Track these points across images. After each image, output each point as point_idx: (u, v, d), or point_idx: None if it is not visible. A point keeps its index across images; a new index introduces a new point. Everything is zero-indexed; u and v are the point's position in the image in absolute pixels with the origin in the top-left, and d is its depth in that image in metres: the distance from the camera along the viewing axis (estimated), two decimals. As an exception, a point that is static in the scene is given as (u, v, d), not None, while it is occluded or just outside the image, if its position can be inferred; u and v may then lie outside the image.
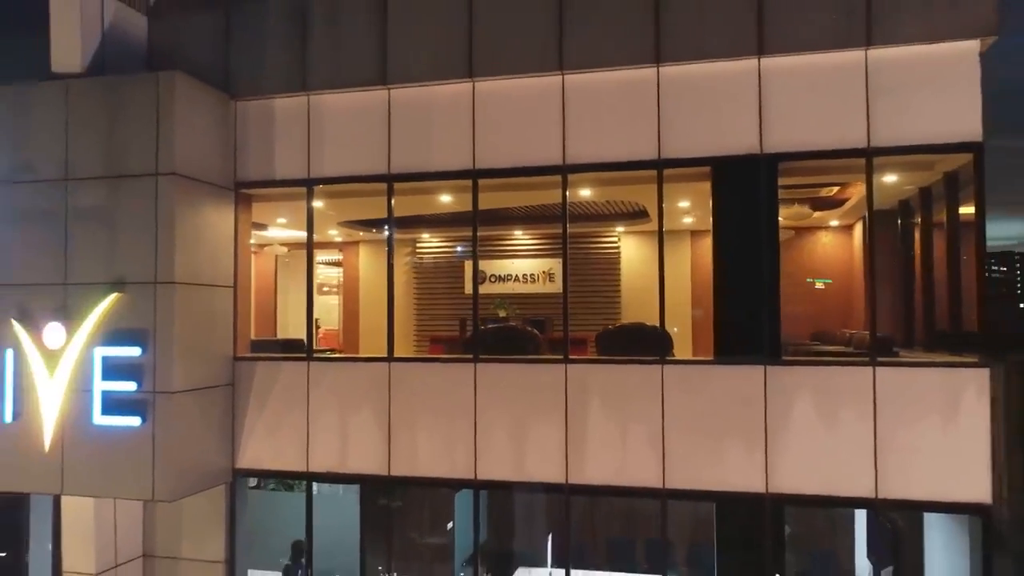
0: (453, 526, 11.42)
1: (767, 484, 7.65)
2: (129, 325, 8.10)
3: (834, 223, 12.29)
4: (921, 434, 7.35)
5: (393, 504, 9.68)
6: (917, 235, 9.63)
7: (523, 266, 13.56)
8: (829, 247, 12.45)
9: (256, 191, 9.36)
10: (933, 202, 8.82)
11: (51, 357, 8.27)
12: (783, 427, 7.63)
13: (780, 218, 11.15)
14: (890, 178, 8.97)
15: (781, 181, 9.23)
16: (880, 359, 7.56)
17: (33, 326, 8.33)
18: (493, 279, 13.57)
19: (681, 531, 10.37)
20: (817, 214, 11.51)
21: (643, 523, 10.86)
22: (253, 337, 10.00)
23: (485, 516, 11.63)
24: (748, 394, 7.72)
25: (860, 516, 9.88)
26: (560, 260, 12.67)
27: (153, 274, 8.08)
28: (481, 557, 9.54)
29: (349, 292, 14.76)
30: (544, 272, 13.37)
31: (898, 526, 9.15)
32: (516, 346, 9.18)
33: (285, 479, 9.75)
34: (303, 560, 9.36)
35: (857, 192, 9.96)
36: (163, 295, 8.05)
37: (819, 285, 12.44)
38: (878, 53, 7.55)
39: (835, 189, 10.30)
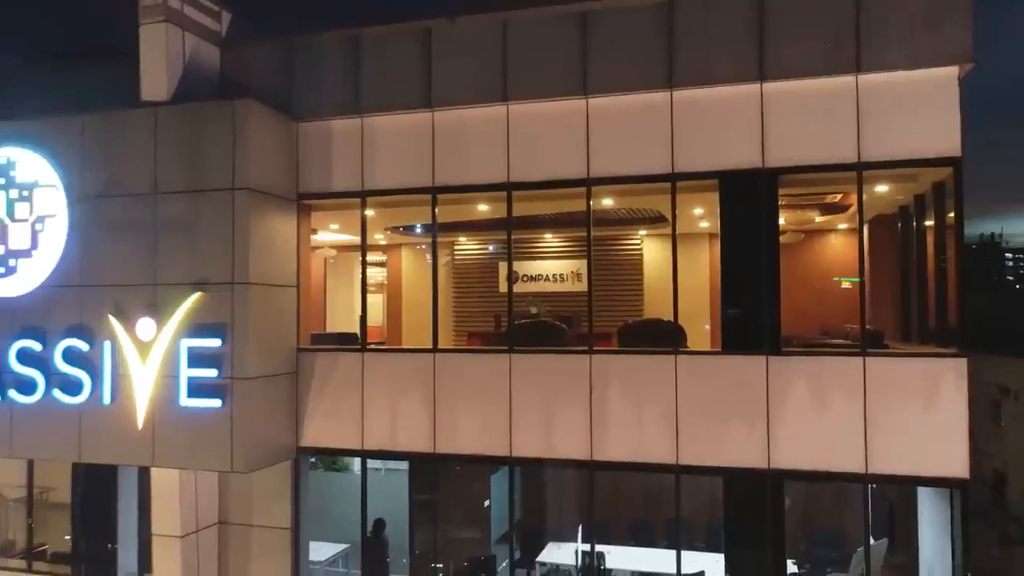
0: (490, 505, 12.55)
1: (768, 460, 8.65)
2: (210, 320, 9.34)
3: (843, 226, 13.16)
4: (906, 416, 8.29)
5: (437, 486, 10.79)
6: (914, 238, 10.50)
7: (553, 267, 14.66)
8: (839, 249, 13.31)
9: (315, 202, 10.57)
10: (926, 208, 9.69)
11: (143, 348, 9.56)
12: (782, 410, 8.62)
13: (786, 222, 12.14)
14: (881, 188, 9.89)
15: (789, 190, 10.27)
16: (869, 350, 8.52)
17: (128, 321, 9.63)
18: (525, 279, 14.69)
19: (699, 511, 11.34)
20: (825, 218, 12.40)
21: (663, 504, 11.85)
22: (314, 331, 11.21)
23: (519, 496, 12.77)
24: (751, 381, 8.71)
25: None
26: (586, 261, 13.77)
27: (230, 275, 9.32)
28: (515, 533, 10.67)
29: (392, 290, 16.00)
30: (572, 272, 14.44)
31: (893, 502, 10.07)
32: (546, 339, 10.27)
33: (343, 456, 10.93)
34: (384, 535, 10.56)
35: (872, 194, 10.84)
36: (239, 294, 9.29)
37: (846, 284, 13.23)
38: (867, 78, 8.49)
39: (839, 196, 11.20)
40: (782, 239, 12.70)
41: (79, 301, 9.89)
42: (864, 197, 10.19)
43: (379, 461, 12.71)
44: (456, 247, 15.34)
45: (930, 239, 9.53)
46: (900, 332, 11.08)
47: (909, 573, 9.70)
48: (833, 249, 13.47)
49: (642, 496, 12.63)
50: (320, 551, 11.64)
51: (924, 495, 9.45)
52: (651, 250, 14.23)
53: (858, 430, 8.39)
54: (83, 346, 9.80)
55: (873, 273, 12.18)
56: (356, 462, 12.74)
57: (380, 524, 10.79)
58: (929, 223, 9.55)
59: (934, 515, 9.11)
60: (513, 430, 9.49)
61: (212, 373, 9.31)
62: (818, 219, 12.35)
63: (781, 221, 12.05)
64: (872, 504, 10.30)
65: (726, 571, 9.07)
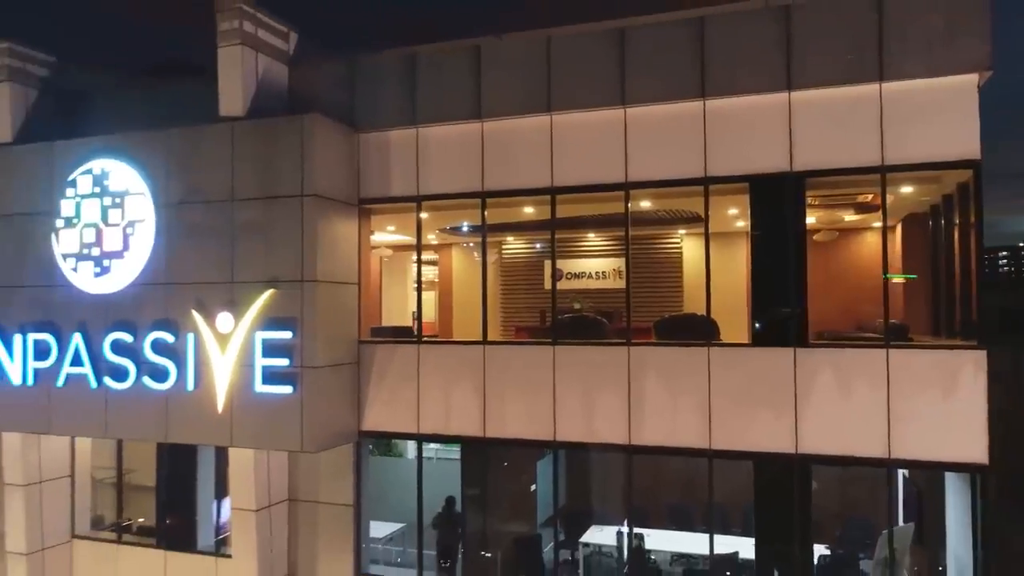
0: (536, 489, 13.32)
1: (796, 446, 9.24)
2: (282, 314, 10.33)
3: (877, 224, 13.55)
4: (927, 404, 8.80)
5: (487, 472, 11.59)
6: (942, 236, 10.91)
7: (596, 264, 15.37)
8: (874, 246, 13.69)
9: (374, 206, 11.50)
10: (953, 208, 10.10)
11: (222, 340, 10.61)
12: (809, 399, 9.20)
13: (817, 221, 12.61)
14: (907, 189, 10.34)
15: (820, 191, 10.80)
16: (893, 342, 9.04)
17: (208, 315, 10.69)
18: (569, 276, 15.43)
19: (736, 497, 11.91)
20: (859, 217, 12.82)
21: (701, 490, 12.46)
22: (373, 325, 12.14)
23: (564, 482, 13.52)
24: (780, 371, 9.32)
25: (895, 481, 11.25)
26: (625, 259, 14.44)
27: (300, 274, 10.29)
28: (560, 517, 11.43)
29: (443, 287, 16.91)
30: (614, 270, 15.12)
31: (921, 488, 10.52)
32: (587, 333, 11.01)
33: (401, 439, 11.85)
34: (455, 510, 11.47)
35: (888, 198, 11.28)
36: (308, 291, 10.26)
37: (896, 280, 13.52)
38: (889, 86, 9.00)
39: (870, 196, 11.65)
40: (816, 238, 13.29)
41: (165, 297, 10.99)
42: (896, 197, 10.76)
43: (431, 451, 13.65)
44: (504, 246, 16.16)
45: (956, 237, 9.96)
46: (931, 326, 11.49)
47: (937, 558, 10.15)
48: (868, 247, 13.86)
49: (682, 483, 13.22)
50: (378, 530, 12.61)
51: (951, 483, 9.91)
52: (690, 248, 14.81)
53: (881, 417, 8.93)
54: (169, 338, 10.90)
55: (906, 269, 12.61)
56: (410, 449, 13.74)
57: (451, 501, 11.70)
58: (955, 222, 9.97)
59: (960, 501, 9.57)
60: (557, 416, 10.26)
61: (284, 362, 10.29)
62: (849, 218, 12.78)
63: (812, 220, 12.62)
64: (902, 491, 10.80)
65: (756, 552, 9.69)
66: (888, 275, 13.44)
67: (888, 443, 8.90)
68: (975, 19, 8.67)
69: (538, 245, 15.75)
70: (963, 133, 8.73)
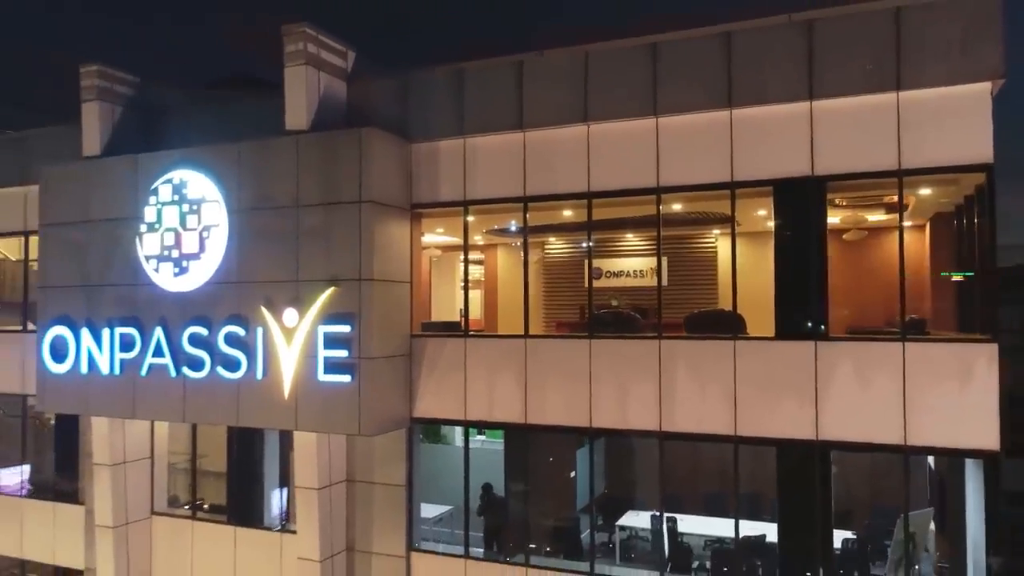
0: (575, 476, 14.11)
1: (817, 433, 9.86)
2: (341, 310, 11.33)
3: (907, 223, 13.94)
4: (942, 394, 9.34)
5: (528, 460, 12.40)
6: (964, 235, 11.34)
7: (634, 263, 16.07)
8: (907, 246, 14.06)
9: (425, 210, 12.44)
10: (973, 208, 10.54)
11: (288, 333, 11.67)
12: (829, 389, 9.81)
13: (841, 221, 13.11)
14: (925, 191, 10.84)
15: (847, 193, 11.36)
16: (909, 336, 9.59)
17: (275, 311, 11.76)
18: (609, 275, 16.17)
19: (766, 484, 12.48)
20: (889, 216, 13.26)
21: (733, 479, 13.08)
22: (423, 320, 13.10)
23: (604, 469, 14.28)
24: (802, 363, 9.95)
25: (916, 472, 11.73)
26: (665, 258, 15.16)
27: (358, 273, 11.28)
28: (598, 501, 12.18)
29: (489, 285, 17.81)
30: (651, 268, 15.79)
31: (944, 475, 11.00)
32: (621, 327, 11.77)
33: (449, 425, 12.75)
34: (494, 494, 12.37)
35: (912, 199, 11.75)
36: (365, 288, 11.24)
37: (957, 278, 13.78)
38: (906, 94, 9.55)
39: (893, 197, 12.11)
40: (846, 237, 13.79)
41: (237, 295, 12.11)
42: (924, 197, 11.26)
43: (477, 441, 14.54)
44: (546, 246, 16.98)
45: (975, 236, 10.43)
46: (958, 321, 11.92)
47: (958, 541, 10.62)
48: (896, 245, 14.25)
49: (716, 472, 13.86)
50: (428, 511, 13.56)
51: (970, 470, 10.38)
52: (725, 247, 15.40)
53: (898, 406, 9.49)
54: (240, 331, 12.01)
55: (935, 267, 13.04)
56: (457, 437, 14.65)
57: (488, 487, 12.59)
58: (975, 221, 10.44)
59: (977, 487, 10.05)
60: (593, 405, 11.05)
61: (343, 354, 11.30)
62: (877, 218, 13.23)
63: (837, 220, 13.15)
64: (925, 478, 11.30)
65: (778, 534, 10.33)
66: (946, 273, 13.86)
67: (904, 431, 9.46)
68: (988, 30, 9.18)
69: (584, 244, 16.50)
70: (977, 138, 9.24)
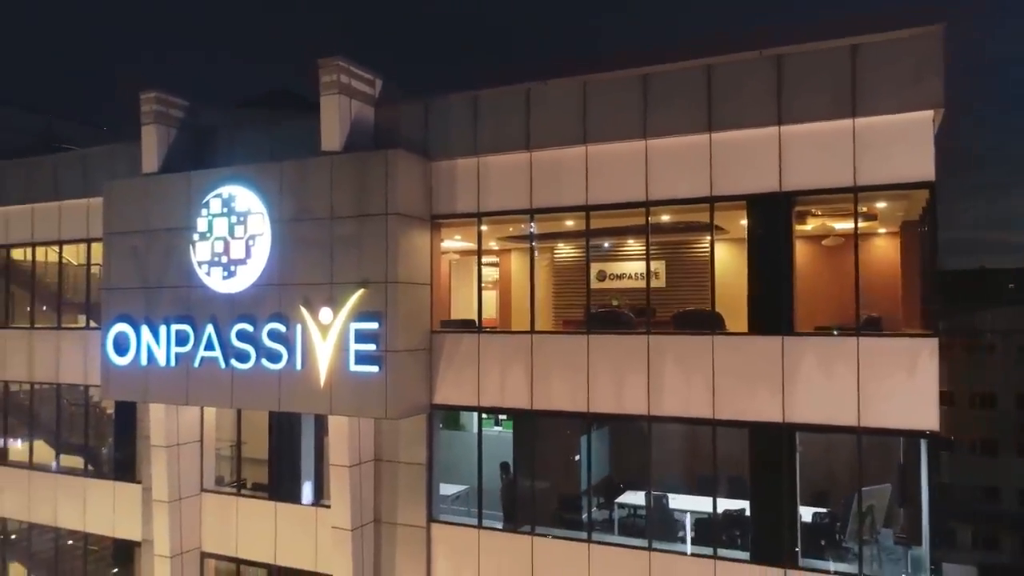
0: (579, 459, 15.58)
1: (784, 416, 11.29)
2: (370, 309, 12.95)
3: (883, 230, 15.27)
4: (891, 382, 10.72)
5: (536, 445, 13.91)
6: (921, 241, 12.68)
7: (634, 267, 17.51)
8: (878, 249, 15.41)
9: (444, 220, 14.02)
10: (924, 218, 11.87)
11: (323, 329, 13.30)
12: (795, 378, 11.23)
13: (811, 228, 14.46)
14: (893, 202, 12.21)
15: (821, 206, 12.74)
16: (863, 331, 10.99)
17: (313, 310, 13.40)
18: (612, 277, 17.65)
19: (745, 467, 13.85)
20: (864, 224, 14.61)
21: (728, 463, 14.43)
22: (442, 318, 14.68)
23: (606, 453, 15.71)
24: (771, 355, 11.38)
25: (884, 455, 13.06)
26: (663, 261, 16.63)
27: (385, 277, 12.89)
28: (603, 483, 13.60)
29: (503, 286, 19.37)
30: (651, 272, 17.23)
31: (902, 455, 12.34)
32: (617, 324, 13.26)
33: (465, 411, 14.29)
34: (511, 473, 13.90)
35: (882, 208, 13.10)
36: (391, 290, 12.85)
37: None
38: (861, 121, 10.94)
39: (865, 208, 13.47)
40: (825, 243, 15.15)
41: (279, 295, 13.78)
42: (895, 206, 12.62)
43: (495, 431, 16.04)
44: (555, 251, 18.50)
45: (921, 243, 11.79)
46: (921, 319, 13.24)
47: (916, 514, 11.97)
48: (876, 250, 15.59)
49: (708, 457, 15.22)
50: (446, 490, 15.12)
51: (925, 449, 11.72)
52: (717, 252, 16.79)
53: (853, 393, 10.90)
54: (282, 328, 13.68)
55: (904, 270, 14.36)
56: (472, 424, 16.20)
57: (505, 466, 14.13)
58: (924, 230, 11.80)
59: (926, 464, 11.40)
60: (591, 392, 12.56)
61: (372, 347, 12.91)
62: (846, 226, 14.60)
63: (809, 228, 14.52)
64: (884, 457, 12.68)
65: (751, 507, 11.77)
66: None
67: (858, 414, 10.86)
68: (931, 67, 10.55)
69: (597, 248, 17.97)
70: (921, 160, 10.62)
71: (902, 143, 10.74)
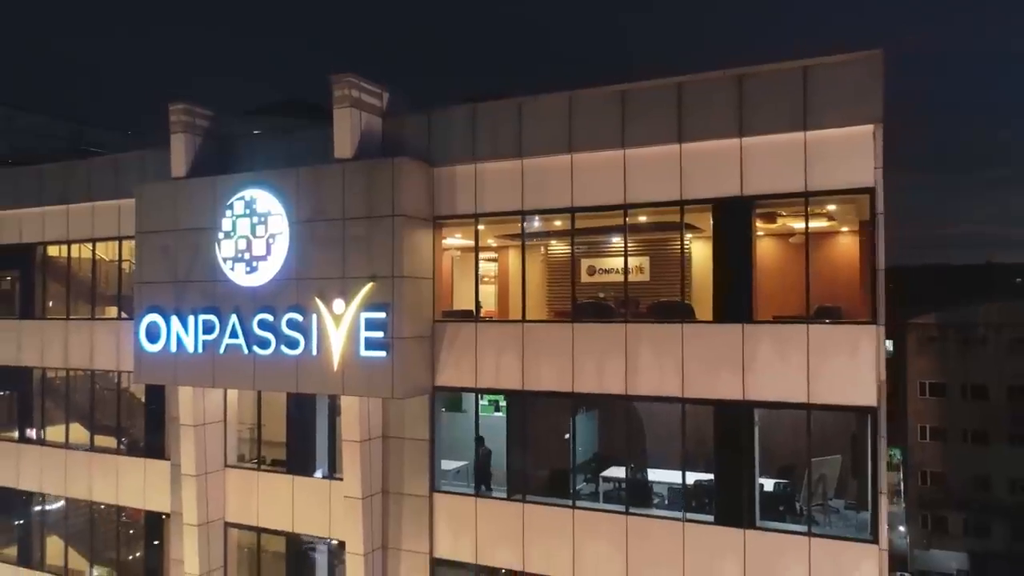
0: (569, 438, 17.07)
1: (744, 394, 12.77)
2: (379, 300, 14.47)
3: (845, 229, 16.68)
4: (837, 363, 12.19)
5: (529, 425, 15.38)
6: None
7: (620, 262, 18.86)
8: (844, 247, 16.82)
9: (445, 221, 15.53)
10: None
11: (337, 319, 14.83)
12: (754, 360, 12.71)
13: (774, 227, 15.89)
14: (830, 207, 13.65)
15: (785, 208, 14.15)
16: (812, 320, 12.45)
17: (327, 301, 14.93)
18: (600, 272, 19.11)
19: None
20: (829, 223, 16.03)
21: (699, 442, 15.88)
22: (444, 309, 16.18)
23: (596, 432, 17.17)
24: (733, 341, 12.85)
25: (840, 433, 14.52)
26: (648, 257, 18.05)
27: (391, 272, 14.40)
28: (589, 461, 15.08)
29: (502, 280, 20.86)
30: (636, 266, 18.66)
31: (854, 430, 13.79)
32: (599, 314, 14.76)
33: (463, 392, 15.78)
34: (485, 447, 15.46)
35: (842, 209, 14.52)
36: (397, 284, 14.37)
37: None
38: (812, 133, 12.37)
39: (825, 209, 14.91)
40: (792, 240, 16.59)
41: (296, 288, 15.31)
42: (858, 206, 13.97)
43: (496, 417, 17.51)
44: (549, 248, 19.98)
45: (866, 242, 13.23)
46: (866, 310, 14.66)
47: (865, 482, 13.42)
48: (839, 247, 17.01)
49: (691, 438, 16.71)
50: (448, 465, 16.65)
51: (869, 423, 13.17)
52: (697, 249, 18.27)
53: (804, 373, 12.37)
54: (299, 317, 15.21)
55: (863, 266, 15.76)
56: (471, 407, 17.72)
57: (480, 440, 15.67)
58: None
59: (869, 436, 12.85)
60: (575, 374, 14.07)
61: (380, 335, 14.44)
62: (817, 224, 16.02)
63: (774, 227, 15.93)
64: (835, 431, 14.14)
65: (715, 476, 13.26)
66: None
67: (808, 392, 12.34)
68: (872, 86, 11.99)
69: (580, 247, 19.42)
70: (863, 168, 12.07)
71: (847, 154, 12.19)
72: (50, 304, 21.20)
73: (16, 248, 21.29)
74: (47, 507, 21.10)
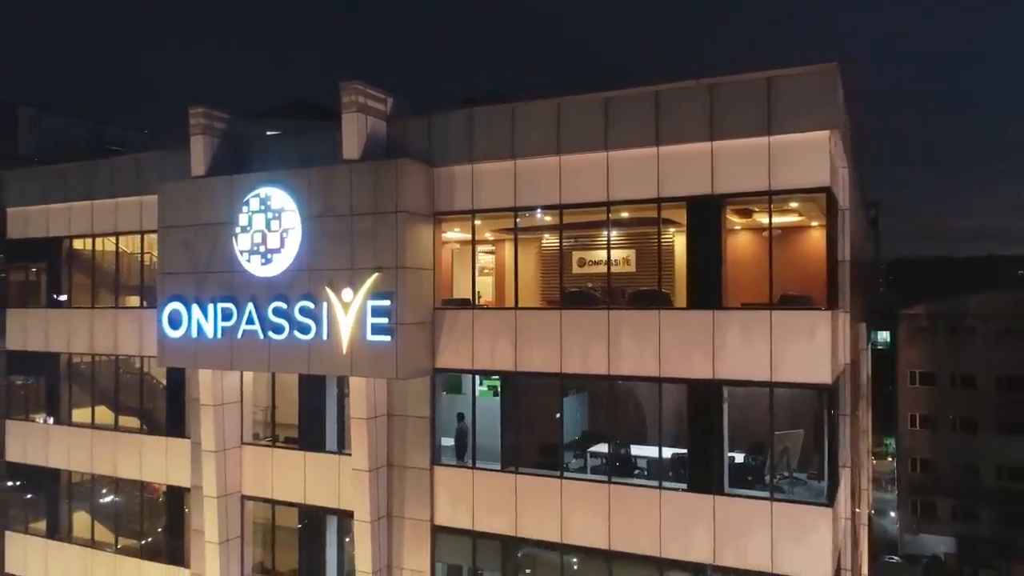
0: (560, 417, 18.45)
1: (714, 373, 14.14)
2: (384, 289, 15.84)
3: (814, 223, 17.99)
4: (797, 345, 13.54)
5: (520, 406, 16.73)
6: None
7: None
8: (813, 240, 18.12)
9: (444, 217, 16.88)
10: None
11: (345, 306, 16.21)
12: (723, 343, 14.06)
13: (747, 221, 17.20)
14: (794, 204, 14.98)
15: (759, 206, 15.44)
16: (774, 307, 13.80)
17: (336, 290, 16.31)
18: (590, 263, 20.45)
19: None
20: (800, 218, 17.35)
21: (677, 421, 17.22)
22: (443, 297, 17.55)
23: (586, 412, 18.54)
24: (704, 326, 14.21)
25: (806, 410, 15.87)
26: (634, 250, 19.37)
27: (395, 263, 15.77)
28: (579, 439, 16.46)
29: (499, 271, 22.22)
30: (623, 258, 19.98)
31: (816, 406, 15.14)
32: (584, 302, 16.13)
33: (461, 373, 17.13)
34: (465, 422, 16.86)
35: (810, 205, 15.82)
36: (400, 274, 15.74)
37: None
38: (775, 138, 13.67)
39: (793, 205, 16.21)
40: (764, 234, 17.88)
41: (308, 278, 16.69)
42: (817, 204, 15.23)
43: (495, 400, 18.84)
44: (542, 242, 21.33)
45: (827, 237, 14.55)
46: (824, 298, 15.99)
47: (825, 456, 14.79)
48: (809, 240, 18.32)
49: (673, 417, 18.08)
50: (447, 442, 18.02)
51: (825, 401, 14.52)
52: (680, 242, 19.58)
53: (767, 355, 13.73)
54: (311, 305, 16.59)
55: (829, 258, 17.08)
56: (469, 390, 19.10)
57: (461, 416, 17.05)
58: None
59: (824, 412, 14.23)
60: (563, 356, 15.44)
61: (385, 320, 15.81)
62: (786, 219, 17.35)
63: (748, 222, 17.25)
64: (802, 409, 15.50)
65: (688, 448, 14.64)
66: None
67: (771, 371, 13.70)
68: (829, 96, 13.30)
69: (571, 240, 20.79)
70: (819, 170, 13.40)
71: (805, 156, 13.51)
72: (75, 294, 22.61)
73: (43, 242, 22.71)
74: (74, 483, 22.57)
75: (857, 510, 22.20)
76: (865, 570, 24.50)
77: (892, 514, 60.75)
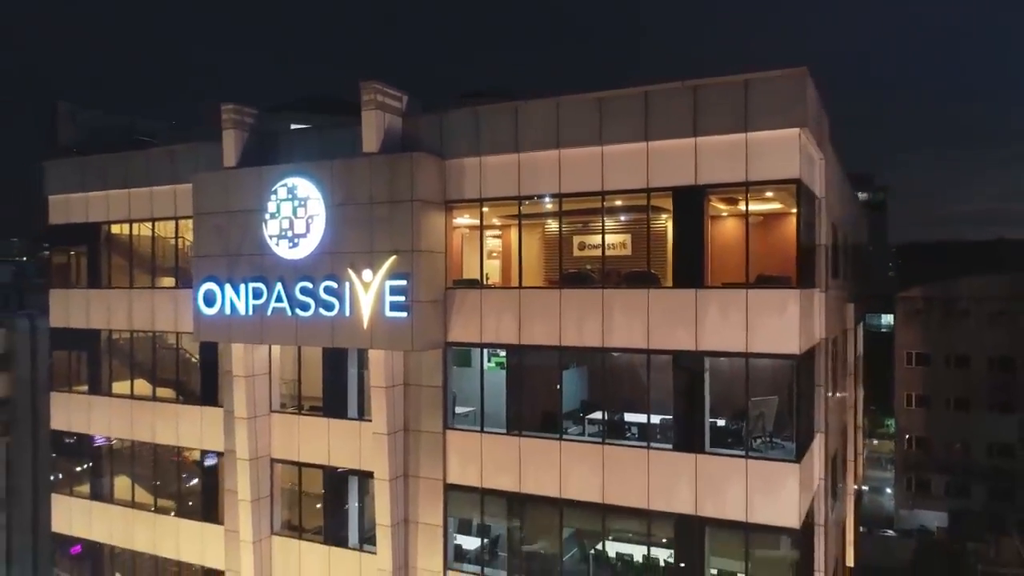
0: (559, 388, 20.19)
1: (696, 345, 15.84)
2: (400, 270, 17.57)
3: (793, 211, 19.56)
4: (769, 320, 15.22)
5: (524, 377, 18.47)
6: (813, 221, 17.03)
7: (608, 239, 21.92)
8: (790, 226, 19.69)
9: (455, 204, 18.57)
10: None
11: (366, 285, 17.96)
12: (705, 318, 15.74)
13: (731, 207, 18.80)
14: (769, 194, 16.60)
15: (741, 195, 17.05)
16: (750, 285, 15.46)
17: (357, 271, 18.05)
18: (589, 247, 22.10)
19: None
20: (773, 206, 18.92)
21: (661, 391, 18.89)
22: (454, 278, 19.26)
23: (585, 383, 20.27)
24: (688, 303, 15.89)
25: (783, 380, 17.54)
26: (630, 235, 20.99)
27: (411, 246, 17.49)
28: (577, 410, 18.21)
29: (505, 254, 23.91)
30: (620, 242, 21.62)
31: (791, 376, 16.81)
32: (582, 282, 17.83)
33: (470, 347, 18.88)
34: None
35: (786, 194, 17.42)
36: (416, 257, 17.46)
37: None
38: (752, 134, 15.28)
39: (771, 194, 17.80)
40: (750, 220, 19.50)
41: (332, 261, 18.43)
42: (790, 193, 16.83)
43: (501, 374, 20.58)
44: (545, 227, 23.01)
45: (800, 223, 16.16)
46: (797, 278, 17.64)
47: (798, 420, 16.48)
48: (787, 226, 19.87)
49: (664, 389, 19.78)
50: (459, 410, 19.82)
51: (795, 370, 16.19)
52: (670, 228, 21.22)
53: (743, 328, 15.41)
54: (334, 285, 18.33)
55: (798, 241, 18.69)
56: (477, 361, 20.86)
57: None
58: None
59: (795, 381, 15.91)
60: (562, 331, 17.17)
61: (401, 299, 17.55)
62: (767, 207, 18.92)
63: (732, 209, 18.86)
64: (778, 378, 17.17)
65: (674, 412, 16.37)
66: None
67: (747, 343, 15.39)
68: (799, 96, 14.88)
69: (574, 225, 22.45)
70: (790, 163, 15.00)
71: (778, 151, 15.11)
72: (114, 275, 24.44)
73: (83, 227, 24.53)
74: (115, 449, 24.54)
75: (841, 484, 23.93)
76: (851, 544, 26.23)
77: (888, 491, 62.51)
